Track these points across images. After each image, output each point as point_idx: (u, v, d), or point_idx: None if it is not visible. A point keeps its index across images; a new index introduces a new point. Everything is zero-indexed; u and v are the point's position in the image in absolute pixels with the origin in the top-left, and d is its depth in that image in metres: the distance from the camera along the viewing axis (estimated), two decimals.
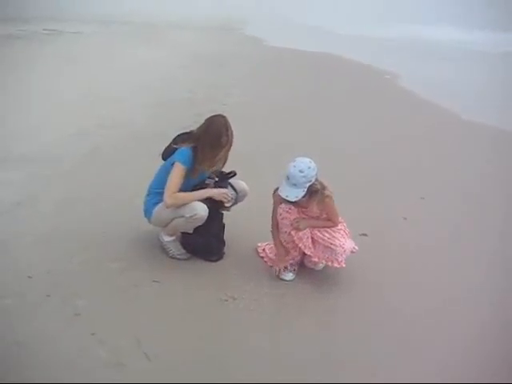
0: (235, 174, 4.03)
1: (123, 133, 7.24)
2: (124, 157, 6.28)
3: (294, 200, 3.65)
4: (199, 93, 10.08)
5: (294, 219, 3.81)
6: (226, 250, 4.14)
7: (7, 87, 9.50)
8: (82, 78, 10.64)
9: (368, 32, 23.56)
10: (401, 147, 7.53)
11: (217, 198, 3.87)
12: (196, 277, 3.82)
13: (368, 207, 5.19)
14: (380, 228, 4.78)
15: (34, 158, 5.98)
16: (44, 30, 17.39)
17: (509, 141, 8.29)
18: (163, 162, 3.99)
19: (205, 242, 3.97)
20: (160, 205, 3.83)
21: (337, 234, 3.82)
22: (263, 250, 4.19)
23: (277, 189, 3.78)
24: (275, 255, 3.98)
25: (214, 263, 4.01)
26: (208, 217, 3.81)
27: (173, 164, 3.75)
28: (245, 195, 4.15)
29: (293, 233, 3.83)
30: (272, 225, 3.95)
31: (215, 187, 3.91)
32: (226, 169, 4.05)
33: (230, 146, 3.86)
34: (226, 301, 3.54)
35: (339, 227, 3.86)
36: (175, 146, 3.85)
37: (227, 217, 4.13)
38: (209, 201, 3.83)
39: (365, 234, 4.55)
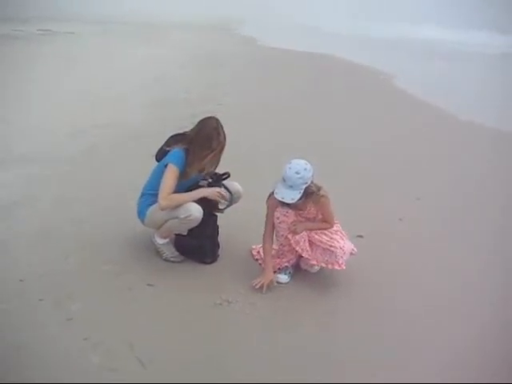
0: (229, 176, 4.00)
1: (120, 132, 7.21)
2: (121, 156, 6.26)
3: (290, 202, 3.61)
4: (196, 93, 10.06)
5: (292, 222, 3.77)
6: (220, 252, 4.09)
7: (5, 87, 9.47)
8: (80, 78, 10.62)
9: (364, 32, 23.61)
10: (397, 148, 7.51)
11: (211, 198, 3.83)
12: (190, 280, 3.77)
13: (364, 208, 5.16)
14: (376, 229, 4.74)
15: (31, 158, 5.95)
16: (42, 30, 17.34)
17: (507, 141, 8.31)
18: (157, 162, 3.95)
19: (199, 245, 3.93)
20: (154, 206, 3.79)
21: (335, 236, 3.78)
22: (258, 252, 4.14)
23: (271, 194, 3.73)
24: (264, 267, 3.86)
25: (208, 266, 3.96)
26: (202, 219, 3.77)
27: (166, 165, 3.71)
28: (239, 197, 4.10)
29: (290, 236, 3.78)
30: (265, 233, 3.87)
31: None
32: (220, 170, 4.00)
33: (222, 148, 3.82)
34: (221, 304, 3.49)
35: (336, 229, 3.83)
36: (168, 149, 3.81)
37: (221, 219, 4.09)
38: (203, 202, 3.79)
39: (361, 236, 4.51)
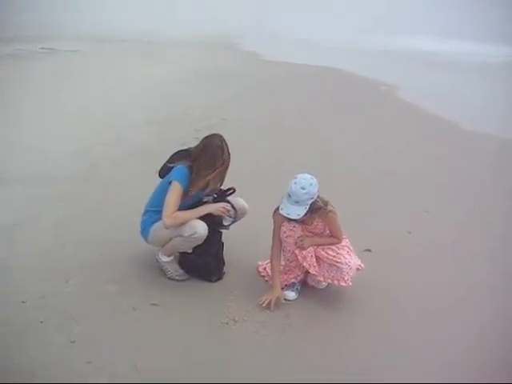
0: (234, 191, 3.93)
1: (121, 150, 7.14)
2: (122, 175, 6.17)
3: (296, 218, 3.53)
4: (198, 108, 10.01)
5: (298, 237, 3.69)
6: (225, 269, 4.01)
7: (6, 106, 9.44)
8: (82, 96, 10.59)
9: (365, 44, 23.64)
10: (403, 159, 7.45)
11: (216, 214, 3.76)
12: (195, 298, 3.68)
13: (371, 221, 5.09)
14: (384, 243, 4.65)
15: (32, 178, 5.87)
16: (45, 48, 17.37)
17: None
18: (160, 179, 3.89)
19: (203, 262, 3.85)
20: (157, 224, 3.72)
21: (342, 252, 3.69)
22: (264, 268, 4.06)
23: (277, 209, 3.66)
24: (271, 283, 3.79)
25: (213, 284, 3.88)
26: (206, 236, 3.69)
27: (170, 183, 3.64)
28: (244, 213, 4.03)
29: (296, 251, 3.70)
30: (272, 249, 3.79)
31: None
32: (225, 186, 3.93)
33: (226, 167, 3.75)
34: (227, 323, 3.41)
35: (343, 244, 3.75)
36: (171, 165, 3.74)
37: (226, 235, 4.01)
38: (207, 219, 3.71)
39: (369, 250, 4.43)
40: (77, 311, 3.45)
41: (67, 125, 8.38)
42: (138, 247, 4.15)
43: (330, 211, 3.62)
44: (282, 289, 3.76)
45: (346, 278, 3.61)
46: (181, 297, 3.70)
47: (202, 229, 3.62)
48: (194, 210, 3.70)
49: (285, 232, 3.70)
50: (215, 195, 3.85)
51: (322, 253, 3.70)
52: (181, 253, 3.91)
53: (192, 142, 3.85)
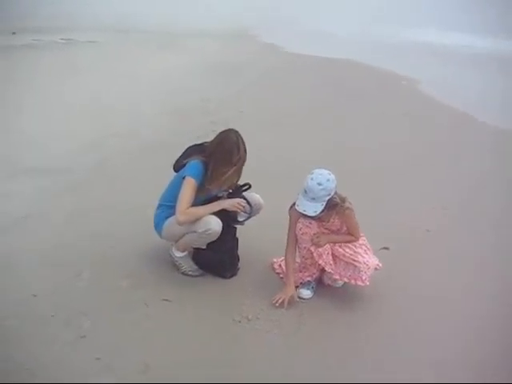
0: (250, 187, 3.84)
1: (135, 143, 7.07)
2: (136, 167, 6.11)
3: (312, 215, 3.44)
4: (215, 101, 9.92)
5: (314, 234, 3.60)
6: (240, 266, 3.93)
7: (19, 97, 9.44)
8: (95, 88, 10.54)
9: (385, 37, 23.34)
10: (422, 155, 7.28)
11: (230, 209, 3.67)
12: (208, 295, 3.62)
13: (389, 219, 4.96)
14: (402, 241, 4.54)
15: (44, 170, 5.83)
16: (64, 39, 17.40)
17: None
18: (175, 173, 3.82)
19: (218, 258, 3.77)
20: (171, 219, 3.64)
21: (359, 250, 3.59)
22: (279, 265, 3.97)
23: (293, 204, 3.56)
24: (285, 281, 3.70)
25: (227, 280, 3.81)
26: (221, 232, 3.62)
27: (184, 178, 3.56)
28: (259, 208, 3.94)
29: (312, 249, 3.61)
30: (287, 245, 3.70)
31: None
32: (241, 181, 3.83)
33: (243, 163, 3.65)
34: (240, 321, 3.33)
35: (361, 242, 3.65)
36: (185, 161, 3.66)
37: (241, 231, 3.93)
38: (221, 214, 3.64)
39: (386, 248, 4.32)
40: (88, 306, 3.40)
41: (81, 116, 8.34)
42: (151, 241, 4.08)
43: (348, 208, 3.52)
44: (297, 287, 3.67)
45: (363, 278, 3.51)
46: (194, 293, 3.63)
47: (216, 225, 3.54)
48: (208, 205, 3.62)
49: (300, 229, 3.61)
50: (230, 190, 3.76)
51: (340, 250, 3.60)
52: (195, 248, 3.84)
53: (208, 135, 3.76)
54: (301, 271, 3.77)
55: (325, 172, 3.45)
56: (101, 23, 21.67)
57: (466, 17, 30.39)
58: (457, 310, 3.64)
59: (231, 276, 3.84)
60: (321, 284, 3.81)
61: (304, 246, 3.65)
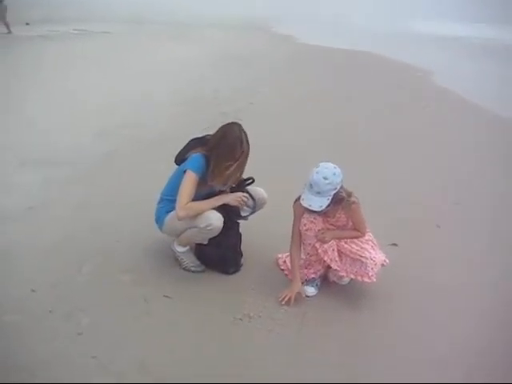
0: (253, 181, 3.73)
1: (146, 133, 7.02)
2: (146, 158, 6.03)
3: (318, 210, 3.32)
4: (226, 92, 9.84)
5: (319, 230, 3.49)
6: (243, 261, 3.84)
7: (31, 87, 9.44)
8: (108, 78, 10.53)
9: (402, 29, 23.07)
10: (434, 148, 7.13)
11: (232, 204, 3.58)
12: (210, 292, 3.53)
13: (398, 214, 4.82)
14: (411, 237, 4.42)
15: (53, 161, 5.81)
16: (77, 30, 17.44)
17: None
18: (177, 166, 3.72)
19: (220, 254, 3.68)
20: (172, 213, 3.55)
21: (366, 246, 3.48)
22: (284, 261, 3.87)
23: (297, 199, 3.46)
24: (291, 278, 3.62)
25: (230, 276, 3.71)
26: (224, 226, 3.52)
27: (185, 171, 3.47)
28: (263, 203, 3.84)
29: (317, 245, 3.50)
30: (292, 241, 3.60)
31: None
32: (247, 173, 3.72)
33: (246, 158, 3.53)
34: (241, 319, 3.23)
35: (367, 238, 3.54)
36: (187, 155, 3.56)
37: (244, 226, 3.83)
38: (224, 209, 3.55)
39: (395, 244, 4.20)
40: (87, 301, 3.33)
41: (93, 107, 8.32)
42: (153, 236, 3.98)
43: (354, 202, 3.40)
44: (302, 283, 3.58)
45: (370, 274, 3.40)
46: (195, 289, 3.55)
47: (217, 220, 3.44)
48: (209, 200, 3.52)
49: (305, 224, 3.50)
50: (233, 185, 3.66)
51: (346, 246, 3.49)
52: (197, 243, 3.76)
53: (217, 127, 3.63)
54: (305, 268, 3.67)
55: (330, 166, 3.33)
56: (114, 14, 21.67)
57: (479, 7, 29.91)
58: (469, 309, 3.52)
59: (234, 272, 3.76)
60: (326, 281, 3.71)
61: (309, 242, 3.55)
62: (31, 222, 4.38)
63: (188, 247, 3.74)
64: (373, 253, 3.45)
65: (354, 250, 3.46)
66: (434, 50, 17.88)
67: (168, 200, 3.64)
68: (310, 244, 3.56)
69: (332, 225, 3.55)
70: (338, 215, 3.51)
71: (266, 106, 8.87)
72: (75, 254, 3.88)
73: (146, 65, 12.22)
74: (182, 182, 3.45)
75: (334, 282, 3.71)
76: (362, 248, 3.47)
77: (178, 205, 3.41)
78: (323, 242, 3.48)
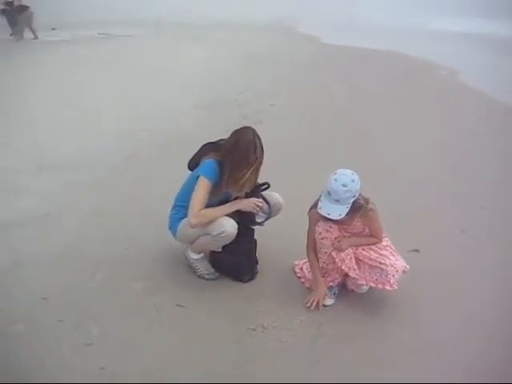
0: (269, 186, 3.63)
1: (166, 136, 6.96)
2: (165, 163, 5.93)
3: (337, 218, 3.20)
4: (247, 94, 9.73)
5: (335, 238, 3.37)
6: (258, 269, 3.75)
7: (55, 91, 9.48)
8: (130, 81, 10.53)
9: (427, 27, 22.67)
10: (460, 149, 6.91)
11: (246, 210, 3.49)
12: (224, 301, 3.44)
13: (420, 218, 4.67)
14: (434, 242, 4.26)
15: (70, 165, 5.78)
16: (101, 33, 17.60)
17: None
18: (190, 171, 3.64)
19: (235, 261, 3.59)
20: (184, 220, 3.48)
21: (385, 252, 3.36)
22: (301, 269, 3.76)
23: (313, 206, 3.35)
24: (311, 284, 3.54)
25: (244, 284, 3.62)
26: (238, 233, 3.43)
27: (198, 177, 3.39)
28: (279, 208, 3.73)
29: (334, 254, 3.38)
30: (307, 246, 3.50)
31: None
32: (265, 177, 3.64)
33: (260, 163, 3.45)
34: (255, 330, 3.14)
35: (385, 244, 3.41)
36: (199, 161, 3.50)
37: (260, 232, 3.73)
38: (238, 215, 3.46)
39: (417, 250, 4.06)
40: (98, 310, 3.28)
41: (114, 110, 8.30)
42: (168, 242, 3.90)
43: (371, 210, 3.28)
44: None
45: (391, 282, 3.27)
46: (208, 298, 3.46)
47: (230, 227, 3.36)
48: (223, 206, 3.44)
49: (320, 233, 3.38)
50: (248, 190, 3.57)
51: (364, 253, 3.37)
52: (211, 250, 3.68)
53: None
54: (322, 276, 3.54)
55: (348, 172, 3.21)
56: (138, 17, 21.79)
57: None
58: (499, 321, 3.34)
59: (249, 280, 3.66)
60: (344, 289, 3.59)
61: (325, 251, 3.43)
62: (46, 228, 4.35)
63: (202, 254, 3.66)
64: (392, 259, 3.33)
65: (373, 257, 3.35)
66: (457, 47, 17.51)
67: (181, 206, 3.57)
68: (326, 253, 3.44)
69: (348, 232, 3.43)
70: (354, 222, 3.39)
71: (288, 108, 8.75)
72: (87, 262, 3.82)
73: (168, 67, 12.20)
74: (194, 188, 3.36)
75: (353, 290, 3.59)
76: (381, 255, 3.35)
77: (190, 212, 3.33)
78: (340, 250, 3.36)
